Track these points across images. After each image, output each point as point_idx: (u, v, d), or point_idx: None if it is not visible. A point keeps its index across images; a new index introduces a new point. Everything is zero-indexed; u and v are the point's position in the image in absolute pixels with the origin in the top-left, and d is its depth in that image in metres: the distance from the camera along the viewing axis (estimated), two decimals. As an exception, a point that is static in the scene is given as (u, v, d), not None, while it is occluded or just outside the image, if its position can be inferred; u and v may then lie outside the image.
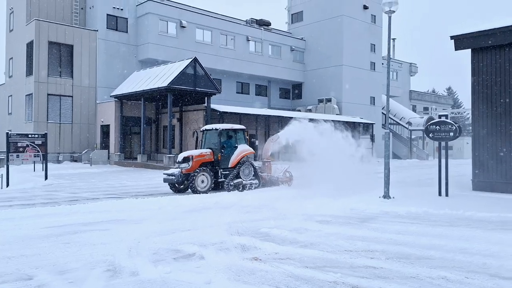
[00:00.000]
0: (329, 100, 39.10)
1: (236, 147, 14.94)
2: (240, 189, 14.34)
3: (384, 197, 11.26)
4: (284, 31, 44.11)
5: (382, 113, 45.23)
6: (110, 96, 29.76)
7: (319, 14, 41.39)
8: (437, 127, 11.70)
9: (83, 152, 29.77)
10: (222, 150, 14.60)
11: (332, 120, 34.72)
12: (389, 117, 47.42)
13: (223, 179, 14.53)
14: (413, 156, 44.57)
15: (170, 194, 14.00)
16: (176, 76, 24.81)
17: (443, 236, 7.33)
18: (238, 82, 39.54)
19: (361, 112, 40.65)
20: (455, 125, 11.38)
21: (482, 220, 8.88)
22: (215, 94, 26.93)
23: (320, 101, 39.80)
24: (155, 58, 32.62)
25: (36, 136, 17.95)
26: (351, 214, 9.75)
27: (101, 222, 8.80)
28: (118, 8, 32.42)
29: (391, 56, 53.10)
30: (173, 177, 13.90)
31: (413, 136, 46.94)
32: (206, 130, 15.28)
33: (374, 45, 42.76)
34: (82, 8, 33.38)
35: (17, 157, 17.24)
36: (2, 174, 16.70)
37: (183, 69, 25.25)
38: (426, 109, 60.02)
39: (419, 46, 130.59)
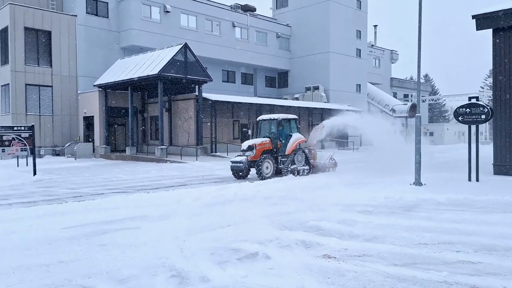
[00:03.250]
0: (316, 88, 38.64)
1: (291, 135, 15.71)
2: (295, 175, 15.05)
3: (416, 184, 10.80)
4: (269, 17, 43.16)
5: (368, 101, 45.26)
6: (94, 85, 28.21)
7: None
8: (468, 109, 11.16)
9: (66, 146, 28.20)
10: (281, 139, 15.43)
11: (321, 108, 34.47)
12: (373, 104, 47.68)
13: (281, 166, 15.24)
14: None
15: (176, 187, 13.20)
16: (166, 63, 23.65)
17: (508, 223, 6.88)
18: (224, 70, 38.49)
19: (348, 99, 40.44)
20: (487, 107, 10.88)
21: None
22: (206, 82, 25.93)
23: (308, 89, 39.28)
24: (138, 45, 31.19)
25: (23, 128, 16.61)
26: (388, 203, 9.26)
27: (124, 220, 7.96)
28: (98, -8, 30.70)
29: (374, 43, 53.16)
30: (241, 164, 14.73)
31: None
32: (263, 119, 16.01)
33: (360, 31, 42.46)
34: (58, -8, 31.43)
35: (2, 151, 15.93)
36: (-13, 170, 15.37)
37: (173, 56, 24.10)
38: (406, 96, 60.58)
39: (397, 33, 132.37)
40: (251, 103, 28.94)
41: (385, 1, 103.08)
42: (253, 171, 15.58)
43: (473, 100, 11.18)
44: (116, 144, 30.35)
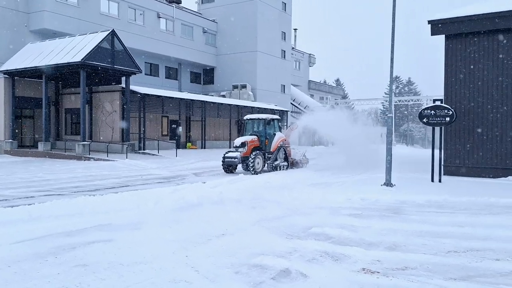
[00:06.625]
0: (244, 86, 38.27)
1: (275, 134, 16.87)
2: (277, 170, 16.27)
3: (386, 185, 10.67)
4: (195, 11, 41.68)
5: (291, 103, 46.18)
6: (-2, 71, 24.42)
7: (232, -4, 39.97)
8: (432, 111, 11.29)
9: (-40, 140, 24.00)
10: (267, 137, 16.57)
11: (251, 107, 34.17)
12: (294, 105, 48.86)
13: (268, 161, 16.33)
14: (315, 143, 46.45)
15: (119, 189, 11.68)
16: (91, 50, 21.26)
17: (508, 226, 6.87)
18: (147, 62, 36.17)
19: (274, 99, 40.77)
20: (452, 109, 11.16)
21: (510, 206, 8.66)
22: (135, 74, 23.96)
23: (235, 87, 38.74)
24: (51, 29, 27.75)
25: None
26: (370, 205, 9.03)
27: (87, 230, 6.58)
28: (2, -35, 26.66)
29: (294, 46, 54.49)
30: (236, 159, 15.45)
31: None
32: (251, 118, 17.15)
33: (285, 33, 43.07)
34: (-50, -40, 26.65)
35: None
36: None
37: (99, 43, 21.77)
38: (321, 98, 63.22)
39: (313, 37, 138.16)
40: (182, 99, 27.48)
41: (299, 7, 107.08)
42: (239, 166, 16.61)
43: (438, 103, 11.41)
44: (23, 139, 26.72)
